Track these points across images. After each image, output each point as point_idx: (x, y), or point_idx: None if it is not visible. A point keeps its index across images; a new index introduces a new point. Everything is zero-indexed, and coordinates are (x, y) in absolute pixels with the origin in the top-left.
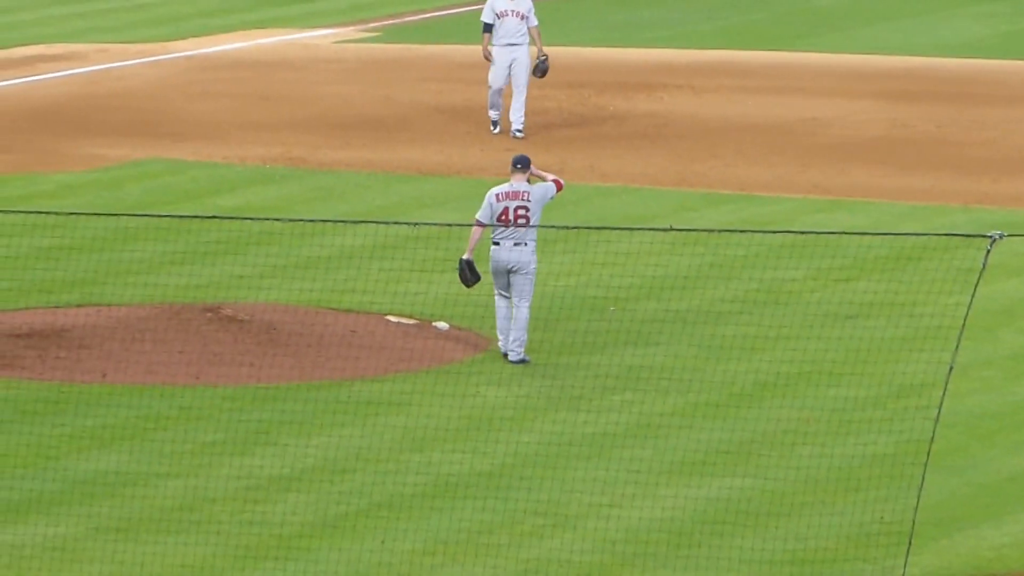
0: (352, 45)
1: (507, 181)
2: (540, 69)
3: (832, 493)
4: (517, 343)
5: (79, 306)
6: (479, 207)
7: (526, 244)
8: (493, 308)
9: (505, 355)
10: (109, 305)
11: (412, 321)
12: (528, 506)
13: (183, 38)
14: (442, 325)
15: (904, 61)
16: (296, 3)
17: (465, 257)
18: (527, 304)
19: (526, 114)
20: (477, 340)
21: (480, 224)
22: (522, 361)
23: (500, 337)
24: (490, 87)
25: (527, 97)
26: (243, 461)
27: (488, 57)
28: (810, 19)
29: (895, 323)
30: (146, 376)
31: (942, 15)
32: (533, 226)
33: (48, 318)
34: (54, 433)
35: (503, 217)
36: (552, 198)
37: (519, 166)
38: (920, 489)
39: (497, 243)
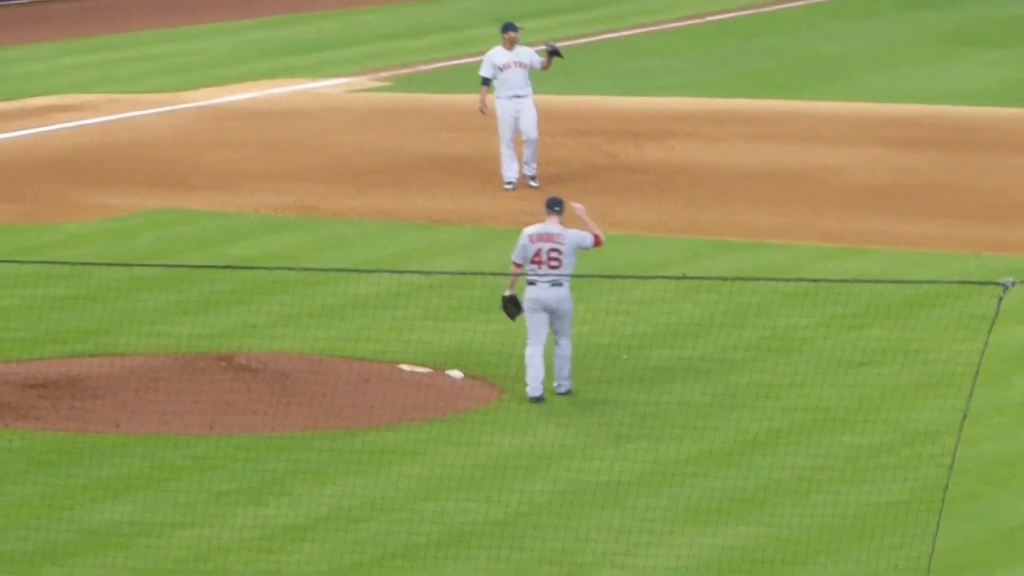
0: (364, 94)
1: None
2: (550, 51)
3: (846, 541)
4: (564, 373)
5: (92, 356)
6: (512, 249)
7: (562, 284)
8: (506, 357)
9: (534, 399)
10: (122, 355)
11: (425, 370)
12: (542, 555)
13: (195, 88)
14: (456, 373)
15: (913, 109)
16: (308, 53)
17: (506, 294)
18: (568, 340)
19: (538, 163)
20: (490, 389)
21: (516, 264)
22: (568, 392)
23: (529, 382)
24: (500, 143)
25: (537, 149)
26: (257, 511)
27: (483, 110)
28: (819, 67)
29: (908, 370)
30: (160, 425)
31: (950, 63)
32: (566, 274)
33: (62, 368)
34: (67, 483)
35: (536, 259)
36: (586, 248)
37: (555, 208)
38: (934, 536)
39: (533, 283)
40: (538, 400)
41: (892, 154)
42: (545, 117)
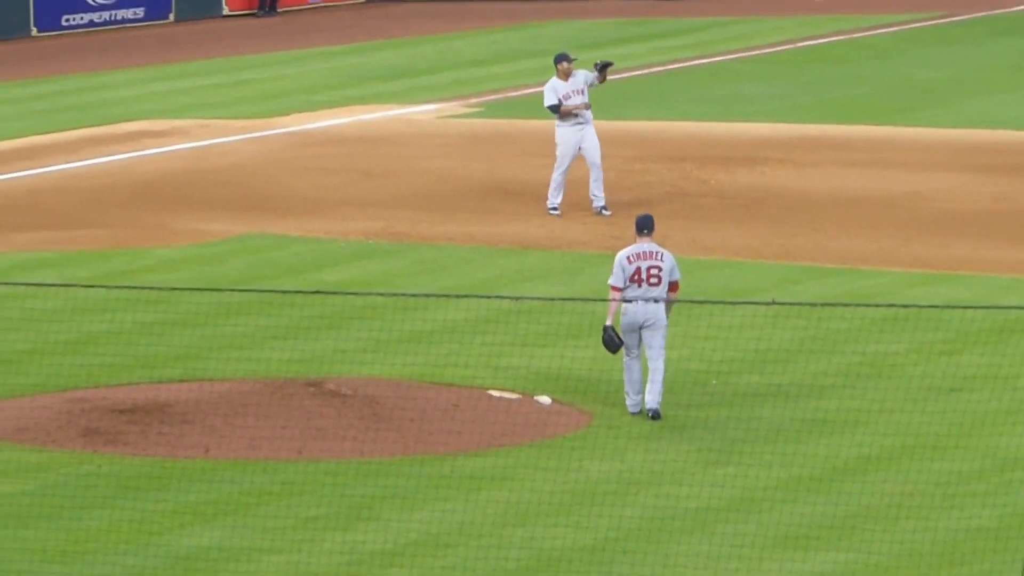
0: (454, 120)
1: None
2: (602, 69)
3: (936, 567)
4: (656, 394)
5: (182, 381)
6: (607, 274)
7: (657, 301)
8: (595, 383)
9: (634, 413)
10: (211, 380)
11: (514, 395)
12: None
13: (286, 114)
14: (544, 399)
15: (1006, 135)
16: (399, 79)
17: (607, 324)
18: (662, 358)
19: (611, 190)
20: (580, 414)
21: (615, 289)
22: (655, 415)
23: (628, 398)
24: (556, 168)
25: (602, 173)
26: (346, 536)
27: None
28: (912, 93)
29: (998, 396)
30: (249, 451)
31: None
32: (662, 295)
33: (151, 393)
34: (156, 508)
35: (636, 277)
36: (674, 278)
37: (645, 231)
38: None
39: (629, 301)
40: (637, 415)
41: (984, 180)
42: (636, 142)
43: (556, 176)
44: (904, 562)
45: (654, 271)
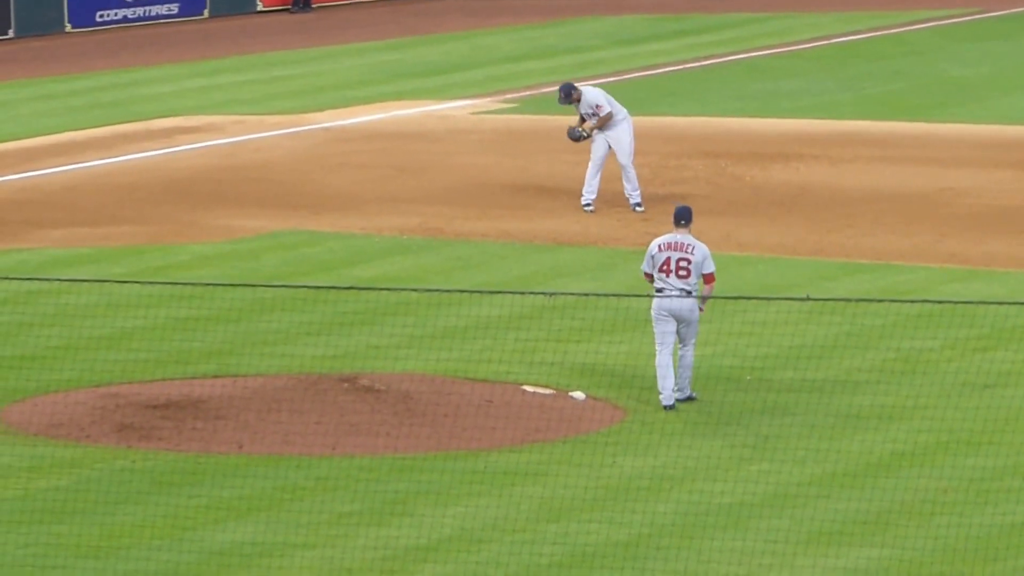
0: (489, 116)
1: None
2: (573, 136)
3: (971, 563)
4: (685, 381)
5: (215, 377)
6: (641, 263)
7: (690, 293)
8: (629, 378)
9: (666, 407)
10: (245, 375)
11: (548, 391)
12: None
13: (320, 110)
14: (579, 395)
15: None
16: (433, 75)
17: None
18: (692, 345)
19: (639, 186)
20: (614, 410)
21: (647, 276)
22: (689, 399)
23: (661, 391)
24: (589, 164)
25: (634, 171)
26: (379, 531)
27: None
28: (948, 89)
29: None
30: (282, 446)
31: None
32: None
33: (184, 389)
34: (190, 504)
35: (665, 267)
36: (707, 271)
37: (682, 221)
38: None
39: (661, 290)
40: (670, 408)
41: (1020, 176)
42: (672, 138)
43: (590, 172)
44: (938, 558)
45: (683, 263)
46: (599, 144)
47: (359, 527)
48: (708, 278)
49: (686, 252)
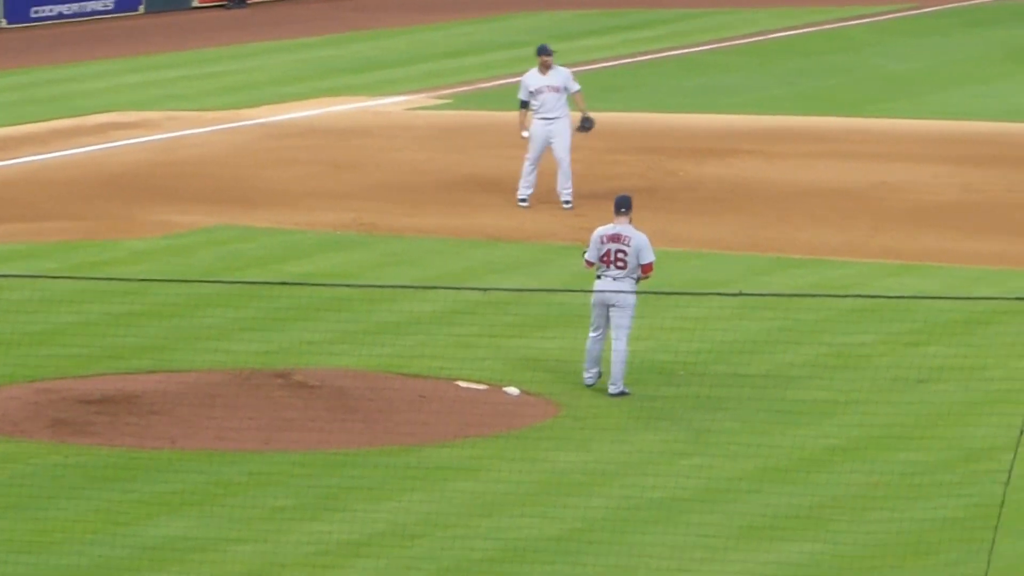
0: (424, 112)
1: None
2: (584, 127)
3: (903, 557)
4: (618, 374)
5: (150, 372)
6: (585, 254)
7: (625, 280)
8: (563, 374)
9: (588, 385)
10: (180, 371)
11: (482, 386)
12: (597, 571)
13: (256, 106)
14: (512, 390)
15: (976, 126)
16: (368, 71)
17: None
18: (624, 337)
19: (573, 184)
20: (547, 405)
21: (588, 263)
22: (621, 393)
23: (585, 371)
24: (526, 160)
25: (570, 168)
26: (313, 526)
27: (524, 135)
28: (883, 85)
29: (965, 387)
30: (216, 442)
31: (1014, 80)
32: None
33: (119, 384)
34: (124, 499)
35: (605, 258)
36: (644, 261)
37: (622, 210)
38: (990, 553)
39: (599, 276)
40: (590, 386)
41: (954, 171)
42: (606, 134)
43: (527, 167)
44: (871, 552)
45: (620, 254)
46: (537, 139)
47: (292, 522)
48: (645, 268)
49: (623, 243)
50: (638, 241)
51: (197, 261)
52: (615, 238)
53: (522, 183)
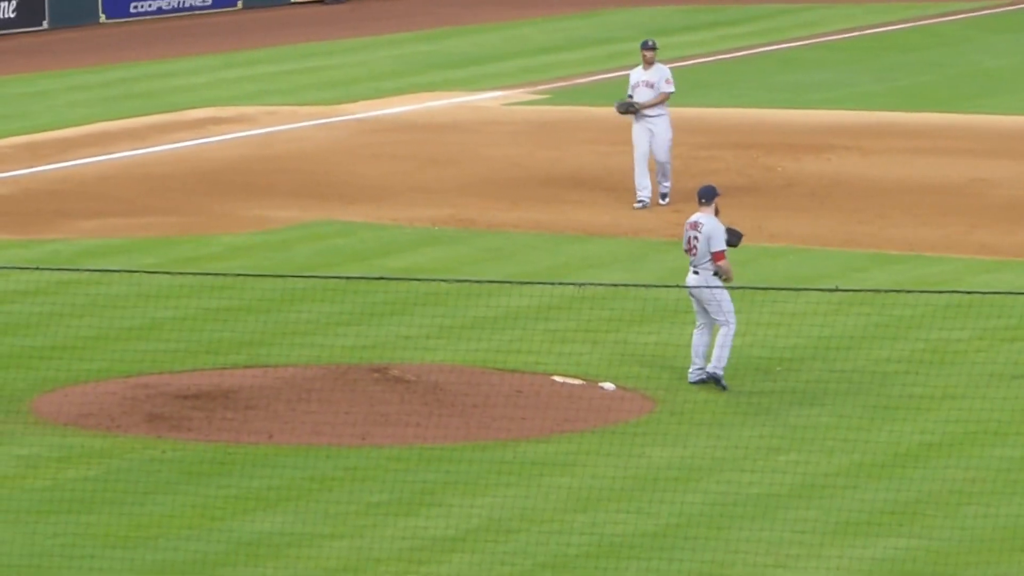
0: (521, 107)
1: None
2: (624, 108)
3: (998, 552)
4: (716, 357)
5: (246, 367)
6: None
7: (699, 272)
8: (659, 369)
9: (692, 382)
10: (276, 366)
11: (578, 381)
12: (693, 567)
13: (353, 101)
14: (608, 385)
15: None
16: (465, 66)
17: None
18: (726, 325)
19: (671, 183)
20: (643, 401)
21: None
22: (714, 378)
23: (693, 363)
24: (634, 160)
25: (670, 165)
26: (408, 522)
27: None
28: (980, 80)
29: None
30: (312, 437)
31: None
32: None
33: (215, 379)
34: (220, 494)
35: (686, 246)
36: (713, 248)
37: (702, 200)
38: None
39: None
40: (695, 383)
41: None
42: (703, 130)
43: (638, 169)
44: (966, 548)
45: (694, 241)
46: (641, 136)
47: (388, 517)
48: (716, 256)
49: (695, 230)
50: (709, 228)
51: (293, 256)
52: (692, 226)
53: (639, 185)
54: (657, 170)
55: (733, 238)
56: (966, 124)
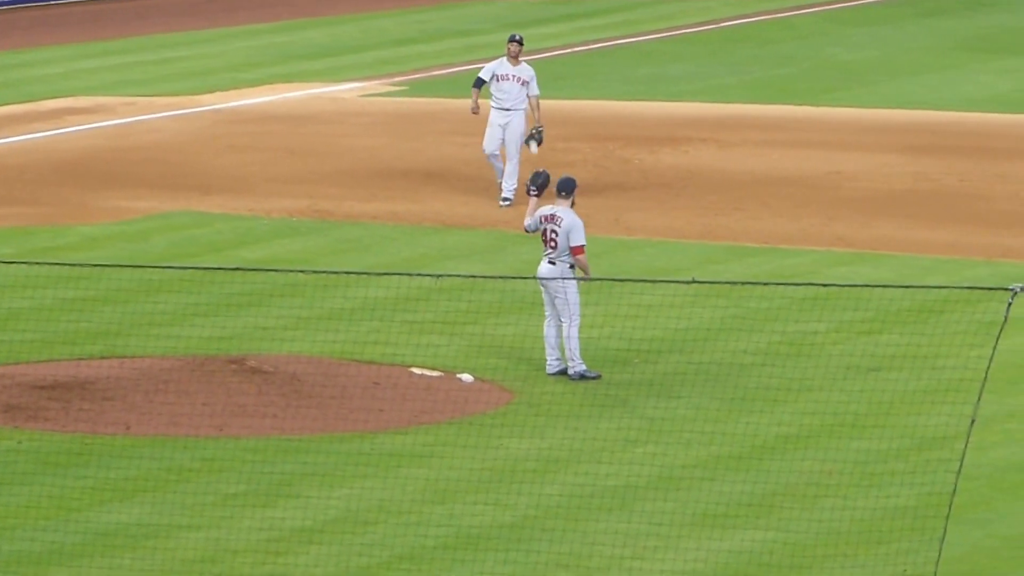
0: (379, 99)
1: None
2: (536, 139)
3: (854, 545)
4: (570, 358)
5: (103, 358)
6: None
7: (555, 263)
8: (516, 360)
9: (549, 374)
10: (133, 357)
11: (436, 373)
12: (551, 558)
13: (211, 91)
14: (466, 377)
15: (929, 115)
16: (323, 57)
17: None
18: (568, 324)
19: (518, 182)
20: (501, 392)
21: (525, 230)
22: (583, 376)
23: (549, 355)
24: (484, 151)
25: (517, 166)
26: (265, 513)
27: (475, 111)
28: (836, 74)
29: (917, 375)
30: (169, 428)
31: (966, 70)
32: (563, 256)
33: (72, 370)
34: (76, 485)
35: (543, 237)
36: (573, 243)
37: (562, 192)
38: (942, 542)
39: (543, 259)
40: (551, 375)
41: (907, 160)
42: (559, 122)
43: (490, 161)
44: (823, 540)
45: (552, 234)
46: (495, 128)
47: (245, 508)
48: (575, 251)
49: (555, 223)
50: (568, 223)
51: (151, 247)
52: (550, 218)
53: (505, 182)
54: (507, 166)
55: (539, 179)
56: (822, 117)
